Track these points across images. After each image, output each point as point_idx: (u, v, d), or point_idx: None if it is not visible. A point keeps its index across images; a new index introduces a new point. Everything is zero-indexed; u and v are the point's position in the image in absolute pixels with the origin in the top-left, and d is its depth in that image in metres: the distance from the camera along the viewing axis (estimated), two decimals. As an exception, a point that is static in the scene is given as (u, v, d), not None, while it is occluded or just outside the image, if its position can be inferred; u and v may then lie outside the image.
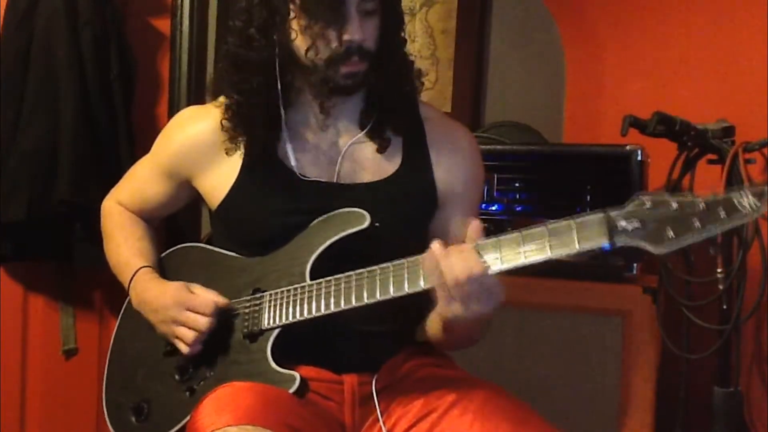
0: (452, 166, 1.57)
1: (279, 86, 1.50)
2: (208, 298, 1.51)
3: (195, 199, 1.69)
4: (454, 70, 3.00)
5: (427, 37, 3.00)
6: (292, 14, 1.45)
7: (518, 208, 2.40)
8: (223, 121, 1.54)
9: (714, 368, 2.23)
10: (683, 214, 1.22)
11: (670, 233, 1.22)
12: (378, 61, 1.48)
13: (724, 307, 2.18)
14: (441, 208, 1.57)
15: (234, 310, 1.53)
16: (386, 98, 1.53)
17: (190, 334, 1.49)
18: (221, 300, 1.51)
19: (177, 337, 1.52)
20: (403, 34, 1.56)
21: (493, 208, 2.39)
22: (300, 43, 1.46)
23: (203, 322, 1.49)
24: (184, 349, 1.51)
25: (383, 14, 1.48)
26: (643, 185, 2.23)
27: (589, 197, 2.31)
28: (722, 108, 2.36)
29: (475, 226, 1.31)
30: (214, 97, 1.60)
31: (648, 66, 2.70)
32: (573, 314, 2.21)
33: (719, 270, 2.15)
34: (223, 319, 1.52)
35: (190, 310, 1.50)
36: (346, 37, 1.43)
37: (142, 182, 1.71)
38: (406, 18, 1.62)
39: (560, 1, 2.91)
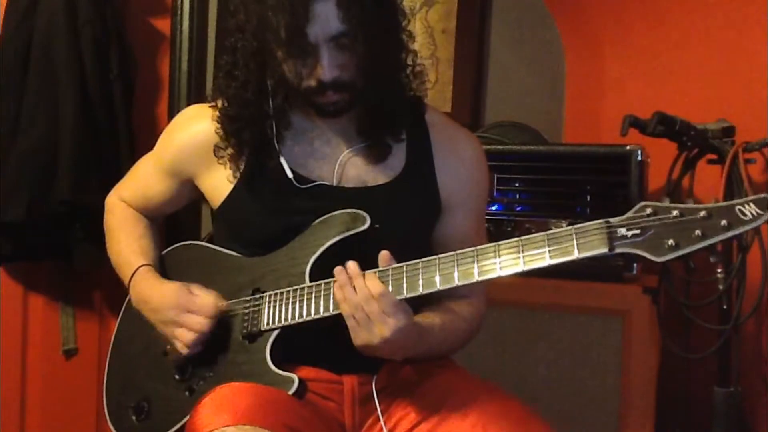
0: (456, 172, 1.56)
1: (271, 101, 1.49)
2: (209, 300, 1.50)
3: (197, 198, 1.69)
4: (454, 70, 2.99)
5: (427, 37, 2.99)
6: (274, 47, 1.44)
7: (518, 208, 2.40)
8: (217, 130, 1.54)
9: (714, 368, 2.23)
10: (684, 222, 1.21)
11: (671, 242, 1.21)
12: (366, 84, 1.46)
13: (724, 307, 2.18)
14: (445, 213, 1.56)
15: (233, 309, 1.53)
16: (386, 107, 1.52)
17: (189, 336, 1.49)
18: (222, 303, 1.51)
19: (176, 338, 1.52)
20: (403, 43, 1.52)
21: (493, 208, 2.38)
22: (284, 71, 1.46)
23: (204, 324, 1.49)
24: (182, 350, 1.51)
25: (366, 40, 1.42)
26: (643, 185, 2.23)
27: (589, 197, 2.31)
28: (722, 108, 2.36)
29: (383, 255, 1.36)
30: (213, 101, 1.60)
31: (648, 66, 2.70)
32: (573, 314, 2.21)
33: (719, 270, 2.15)
34: (223, 319, 1.52)
35: (191, 312, 1.50)
36: (317, 76, 1.42)
37: (145, 179, 1.71)
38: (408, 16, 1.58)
39: (560, 1, 2.91)
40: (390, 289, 1.35)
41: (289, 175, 1.51)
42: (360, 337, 1.34)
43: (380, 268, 1.38)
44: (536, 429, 1.38)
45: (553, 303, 2.24)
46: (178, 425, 1.51)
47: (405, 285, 1.36)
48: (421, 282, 1.35)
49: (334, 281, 1.38)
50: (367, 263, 1.39)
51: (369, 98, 1.49)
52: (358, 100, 1.48)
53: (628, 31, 2.75)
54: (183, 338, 1.50)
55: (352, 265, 1.37)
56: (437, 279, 1.34)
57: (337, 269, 1.37)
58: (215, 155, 1.55)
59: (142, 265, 1.62)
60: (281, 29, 1.39)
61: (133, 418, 1.60)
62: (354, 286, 1.34)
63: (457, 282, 1.33)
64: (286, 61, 1.44)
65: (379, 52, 1.45)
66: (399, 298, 1.35)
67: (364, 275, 1.35)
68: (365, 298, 1.33)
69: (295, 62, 1.43)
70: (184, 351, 1.51)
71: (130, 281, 1.63)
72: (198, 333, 1.49)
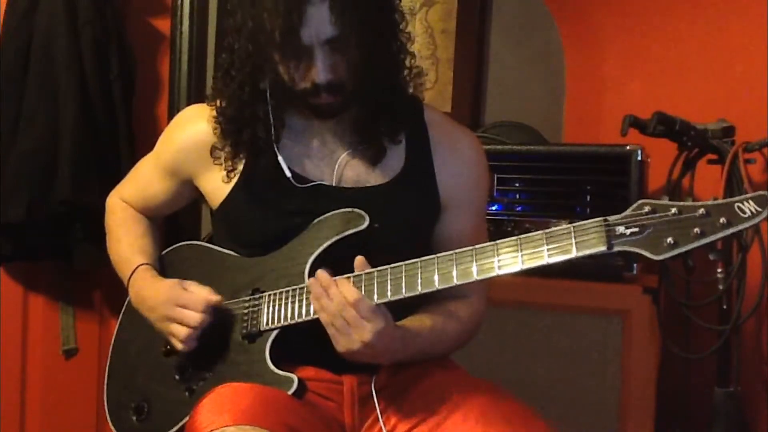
0: (455, 171, 1.56)
1: (269, 98, 1.49)
2: (200, 295, 1.51)
3: (197, 198, 1.69)
4: (454, 70, 2.99)
5: (427, 37, 2.99)
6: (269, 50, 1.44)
7: (518, 208, 2.40)
8: (215, 130, 1.54)
9: (714, 368, 2.23)
10: (682, 220, 1.21)
11: (669, 240, 1.21)
12: (361, 86, 1.46)
13: (724, 307, 2.18)
14: (445, 212, 1.56)
15: (232, 309, 1.53)
16: (383, 109, 1.52)
17: (182, 331, 1.49)
18: (214, 297, 1.51)
19: (171, 334, 1.52)
20: (400, 45, 1.52)
21: (493, 208, 2.39)
22: (279, 73, 1.46)
23: (195, 318, 1.49)
24: (178, 345, 1.51)
25: (360, 42, 1.42)
26: (643, 185, 2.23)
27: (589, 197, 2.31)
28: (722, 108, 2.36)
29: (358, 261, 1.37)
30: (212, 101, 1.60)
31: (648, 66, 2.70)
32: (573, 314, 2.21)
33: (719, 270, 2.15)
34: (222, 318, 1.52)
35: (182, 307, 1.50)
36: (311, 78, 1.42)
37: (145, 180, 1.71)
38: (406, 18, 1.58)
39: (560, 1, 2.91)
40: (389, 288, 1.35)
41: (288, 174, 1.51)
42: (340, 343, 1.35)
43: (379, 268, 1.38)
44: (537, 429, 1.37)
45: (553, 303, 2.24)
46: (178, 425, 1.51)
47: (404, 284, 1.35)
48: (419, 281, 1.35)
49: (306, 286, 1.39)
50: (367, 263, 1.39)
51: (365, 100, 1.49)
52: (353, 101, 1.48)
53: (628, 31, 2.75)
54: (177, 334, 1.50)
55: (322, 274, 1.37)
56: (436, 278, 1.34)
57: (311, 281, 1.38)
58: (212, 155, 1.56)
59: (141, 264, 1.63)
60: (276, 32, 1.39)
61: (134, 418, 1.60)
62: (329, 295, 1.35)
63: (455, 281, 1.33)
64: (280, 63, 1.44)
65: (374, 54, 1.45)
66: (397, 297, 1.35)
67: (337, 283, 1.36)
68: (341, 305, 1.33)
69: (289, 64, 1.43)
70: (180, 347, 1.51)
71: (129, 280, 1.63)
72: (191, 328, 1.49)
